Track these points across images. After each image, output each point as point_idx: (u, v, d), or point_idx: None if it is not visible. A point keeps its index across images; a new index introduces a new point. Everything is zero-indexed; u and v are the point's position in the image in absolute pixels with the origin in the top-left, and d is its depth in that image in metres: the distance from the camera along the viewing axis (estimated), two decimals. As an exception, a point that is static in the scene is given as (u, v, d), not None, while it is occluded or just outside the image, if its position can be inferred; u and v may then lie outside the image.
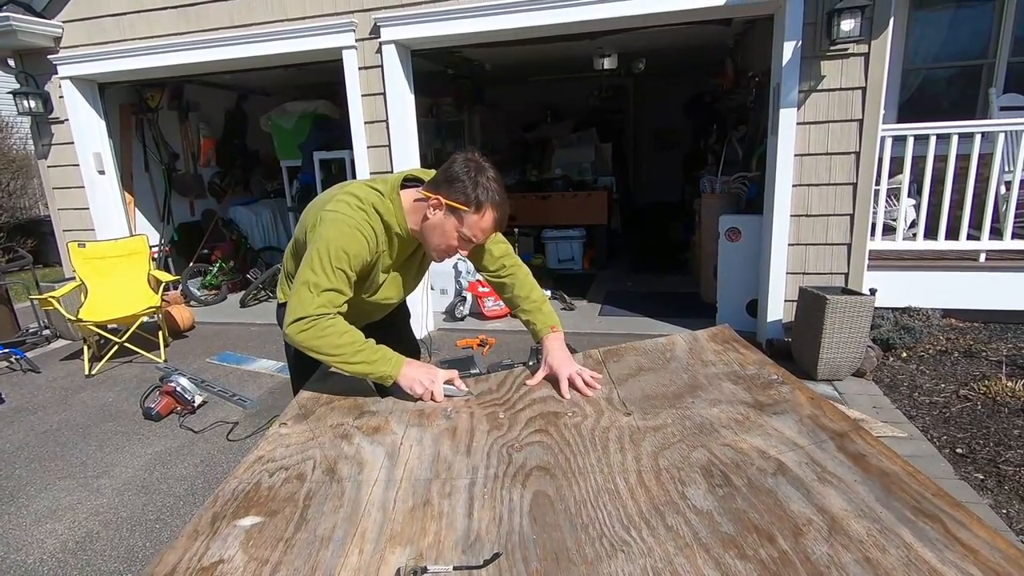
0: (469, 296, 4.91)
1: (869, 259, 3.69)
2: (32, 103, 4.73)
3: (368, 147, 4.32)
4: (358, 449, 1.21)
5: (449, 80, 6.69)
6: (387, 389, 1.49)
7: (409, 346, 1.99)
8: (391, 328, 1.87)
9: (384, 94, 4.16)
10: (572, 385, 1.45)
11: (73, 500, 2.55)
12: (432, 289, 4.89)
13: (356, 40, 4.11)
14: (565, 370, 1.48)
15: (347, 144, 4.65)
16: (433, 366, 1.52)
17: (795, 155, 3.57)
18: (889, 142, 3.82)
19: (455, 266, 5.04)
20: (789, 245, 3.71)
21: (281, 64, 4.61)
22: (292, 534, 0.94)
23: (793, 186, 3.62)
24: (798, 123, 3.53)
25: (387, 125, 4.23)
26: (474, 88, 7.62)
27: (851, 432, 1.09)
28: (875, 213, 3.89)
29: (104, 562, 2.14)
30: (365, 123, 4.28)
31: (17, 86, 4.76)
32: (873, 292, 3.48)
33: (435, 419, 1.34)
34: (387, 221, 1.50)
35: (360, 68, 4.17)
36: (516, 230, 5.70)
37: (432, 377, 1.45)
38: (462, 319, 4.90)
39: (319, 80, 6.14)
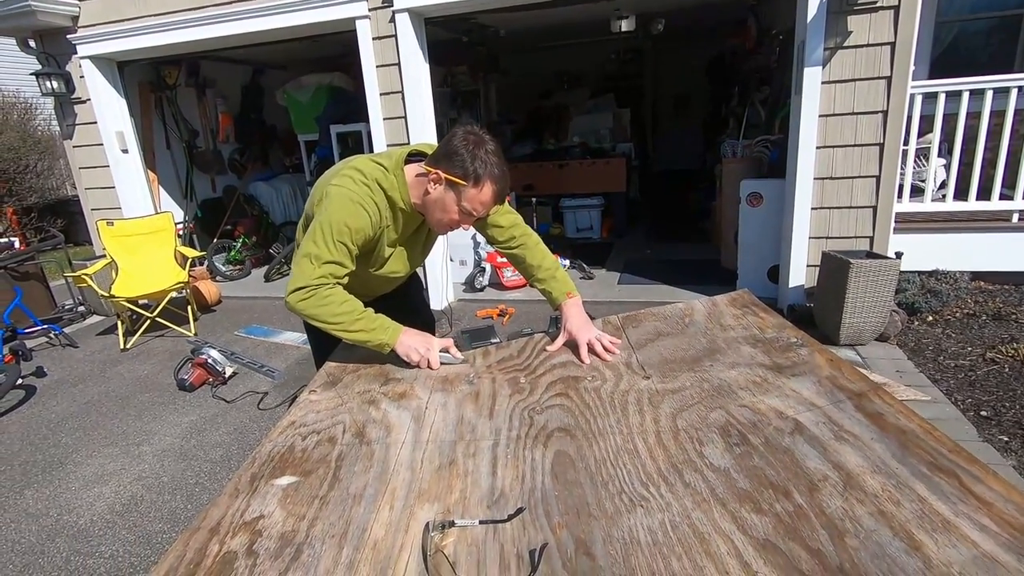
0: (488, 267, 4.94)
1: (896, 222, 3.61)
2: (54, 83, 4.80)
3: (384, 119, 4.31)
4: (385, 414, 1.26)
5: (463, 48, 6.58)
6: (387, 357, 1.52)
7: (423, 317, 2.02)
8: (405, 299, 1.91)
9: (399, 64, 4.13)
10: (591, 350, 1.47)
11: (117, 466, 2.69)
12: (452, 260, 4.92)
13: (369, 9, 4.07)
14: (584, 335, 1.49)
15: (363, 116, 4.65)
16: (429, 335, 1.55)
17: (819, 116, 3.48)
18: (919, 100, 3.69)
19: (473, 237, 5.05)
20: (812, 209, 3.65)
21: (295, 37, 4.59)
22: (326, 492, 1.00)
23: (817, 148, 3.53)
24: (823, 82, 3.42)
25: (402, 96, 4.21)
26: (489, 56, 7.49)
27: (869, 392, 1.10)
28: (903, 174, 3.78)
29: (149, 523, 2.27)
30: (380, 94, 4.26)
31: (39, 67, 4.82)
32: (899, 256, 3.41)
33: (458, 384, 1.38)
34: (391, 196, 1.52)
35: (374, 38, 4.13)
36: (534, 199, 5.68)
37: (428, 345, 1.49)
38: (482, 290, 4.94)
39: (334, 52, 6.10)
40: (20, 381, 3.53)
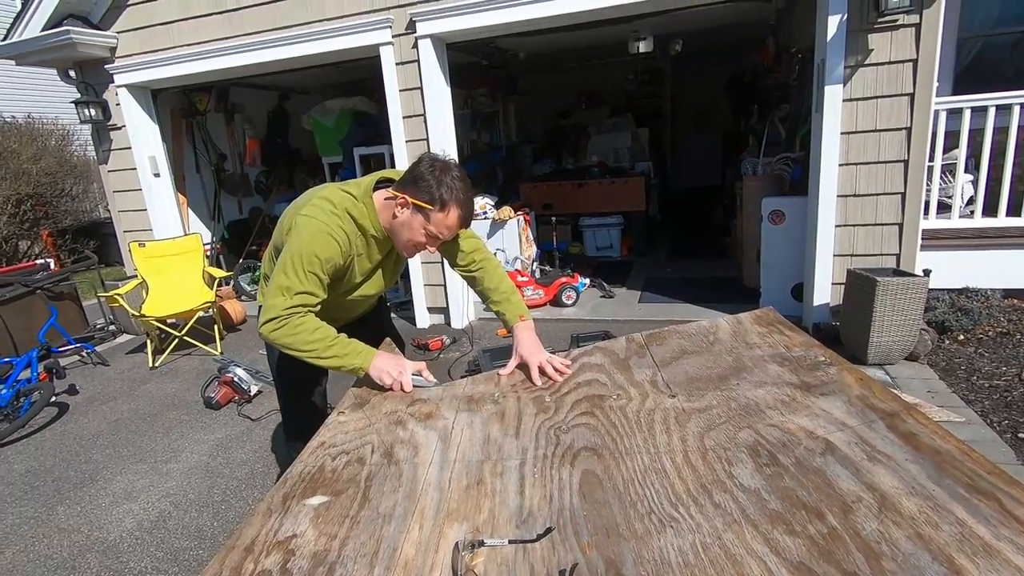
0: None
1: (923, 239, 3.56)
2: (92, 111, 5.00)
3: (407, 141, 4.40)
4: (412, 434, 1.27)
5: (483, 71, 6.71)
6: (361, 381, 1.55)
7: (391, 337, 2.03)
8: (374, 321, 1.98)
9: (421, 88, 4.23)
10: (543, 372, 1.50)
11: (146, 483, 2.73)
12: (472, 279, 4.95)
13: (393, 36, 4.18)
14: (535, 358, 1.52)
15: (386, 139, 4.75)
16: (402, 358, 1.58)
17: (841, 133, 3.46)
18: (944, 116, 3.65)
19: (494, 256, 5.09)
20: (836, 226, 3.61)
21: (320, 63, 4.73)
22: (356, 512, 1.01)
23: (840, 165, 3.51)
24: (844, 100, 3.41)
25: (424, 119, 4.29)
26: (508, 78, 7.62)
27: (902, 412, 1.08)
28: (929, 191, 3.73)
29: (176, 540, 2.30)
30: (403, 118, 4.36)
31: (79, 96, 5.03)
32: (927, 273, 3.35)
33: (484, 404, 1.39)
34: (361, 224, 1.56)
35: (397, 63, 4.24)
36: (553, 219, 5.70)
37: (400, 368, 1.51)
38: (502, 308, 4.95)
39: (356, 77, 6.26)
40: (54, 398, 3.62)
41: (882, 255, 3.57)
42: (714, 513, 0.90)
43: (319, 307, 1.53)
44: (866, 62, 3.33)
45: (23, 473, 2.93)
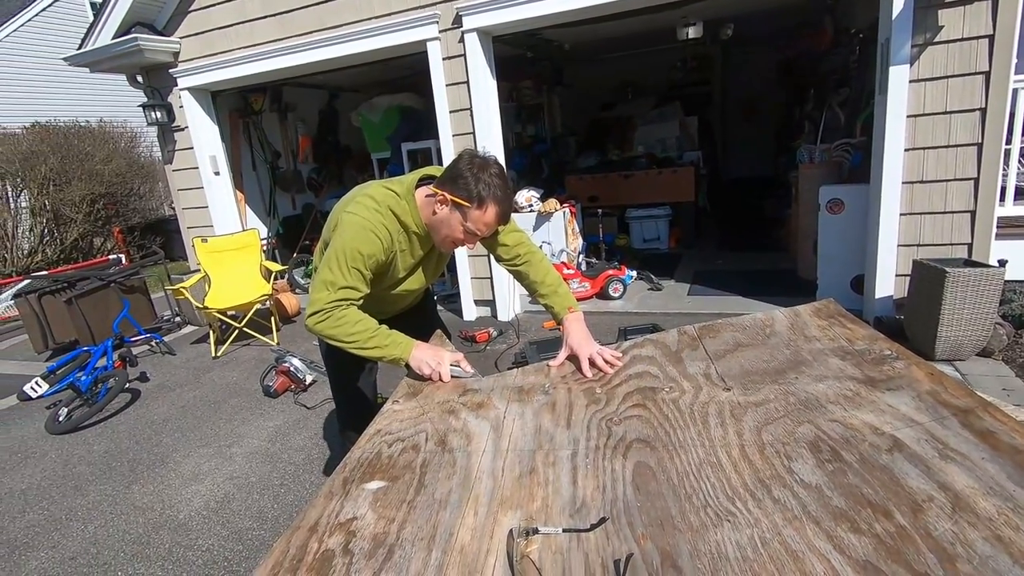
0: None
1: (998, 227, 3.34)
2: (158, 114, 5.28)
3: (453, 135, 4.44)
4: (465, 423, 1.30)
5: (528, 63, 6.69)
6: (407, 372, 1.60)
7: (437, 328, 2.05)
8: (421, 314, 2.01)
9: (467, 82, 4.25)
10: (593, 364, 1.48)
11: (211, 466, 2.88)
12: (518, 272, 4.97)
13: (439, 31, 4.22)
14: (585, 350, 1.51)
15: (433, 134, 4.81)
16: (441, 349, 1.60)
17: (907, 116, 3.28)
18: (1022, 95, 3.40)
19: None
20: (901, 215, 3.43)
21: (369, 61, 4.83)
22: (413, 497, 1.04)
23: (905, 150, 3.33)
24: (911, 81, 3.23)
25: (471, 113, 4.32)
26: (553, 69, 7.57)
27: (978, 408, 1.03)
28: (1005, 176, 3.49)
29: (239, 520, 2.42)
30: (450, 112, 4.40)
31: (145, 99, 5.31)
32: (1003, 264, 3.14)
33: (534, 395, 1.40)
34: (404, 221, 1.59)
35: (444, 58, 4.28)
36: (599, 211, 5.65)
37: (439, 360, 1.54)
38: (548, 301, 4.94)
39: (404, 74, 6.36)
40: (128, 385, 3.86)
41: (952, 245, 3.37)
42: (773, 508, 0.88)
43: (362, 301, 1.58)
44: (936, 40, 3.14)
45: (102, 454, 3.14)
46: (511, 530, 0.90)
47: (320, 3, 4.48)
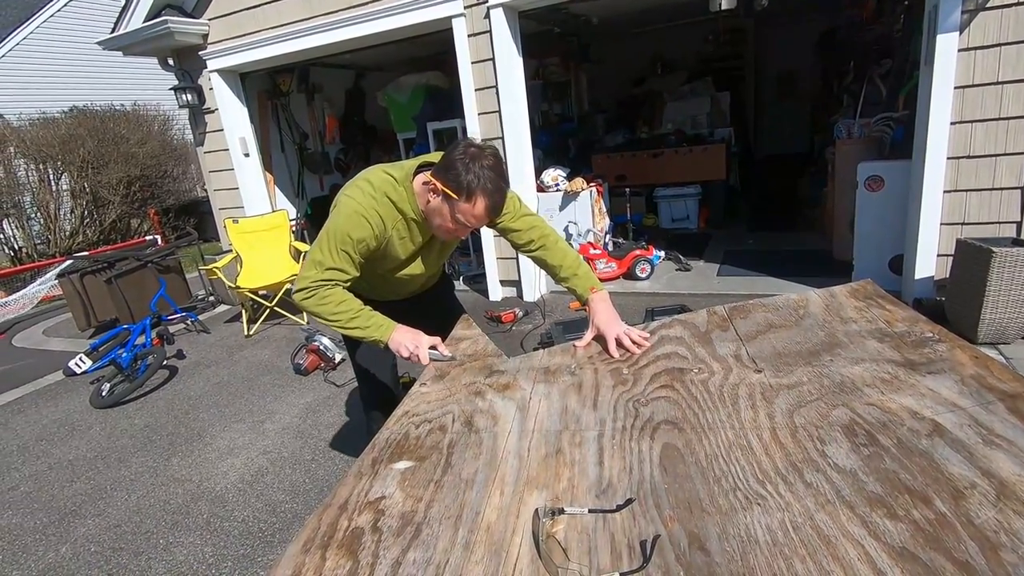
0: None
1: (1049, 204, 3.17)
2: (189, 96, 5.35)
3: (479, 114, 4.40)
4: (491, 404, 1.30)
5: (555, 39, 6.56)
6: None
7: (456, 315, 2.04)
8: (437, 301, 2.02)
9: (493, 59, 4.20)
10: (620, 345, 1.46)
11: (246, 440, 2.97)
12: (543, 253, 4.94)
13: (465, 7, 4.16)
14: (612, 330, 1.48)
15: (458, 113, 4.77)
16: (420, 333, 1.61)
17: (955, 87, 3.12)
18: (1082, 63, 3.20)
19: (565, 229, 5.04)
20: (945, 192, 3.29)
21: (395, 39, 4.80)
22: (440, 476, 1.04)
23: (952, 124, 3.17)
24: (960, 50, 3.06)
25: (496, 91, 4.27)
26: (580, 45, 7.41)
27: (1026, 394, 0.98)
28: (1059, 150, 3.30)
29: (273, 493, 2.49)
30: (475, 90, 4.35)
31: (176, 82, 5.39)
32: (1053, 243, 2.99)
33: (560, 376, 1.39)
34: (401, 208, 1.58)
35: (469, 35, 4.23)
36: (627, 190, 5.56)
37: (417, 343, 1.57)
38: (574, 282, 4.91)
39: (430, 52, 6.30)
40: (165, 362, 3.99)
41: (1000, 223, 3.22)
42: (805, 492, 0.86)
43: (350, 283, 1.61)
44: (988, 5, 2.96)
45: (142, 427, 3.27)
46: (537, 510, 0.90)
47: (345, -19, 4.46)
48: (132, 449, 3.03)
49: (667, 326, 1.56)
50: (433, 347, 1.59)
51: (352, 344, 1.99)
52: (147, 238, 7.26)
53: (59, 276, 5.28)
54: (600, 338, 1.53)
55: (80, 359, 4.16)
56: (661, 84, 7.85)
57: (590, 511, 0.90)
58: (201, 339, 4.76)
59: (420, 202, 1.58)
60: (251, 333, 4.65)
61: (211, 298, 5.71)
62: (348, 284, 1.61)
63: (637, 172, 6.25)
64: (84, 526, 2.44)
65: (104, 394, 3.64)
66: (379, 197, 1.56)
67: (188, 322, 5.02)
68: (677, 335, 1.50)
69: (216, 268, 4.73)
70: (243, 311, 4.76)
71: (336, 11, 4.57)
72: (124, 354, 3.89)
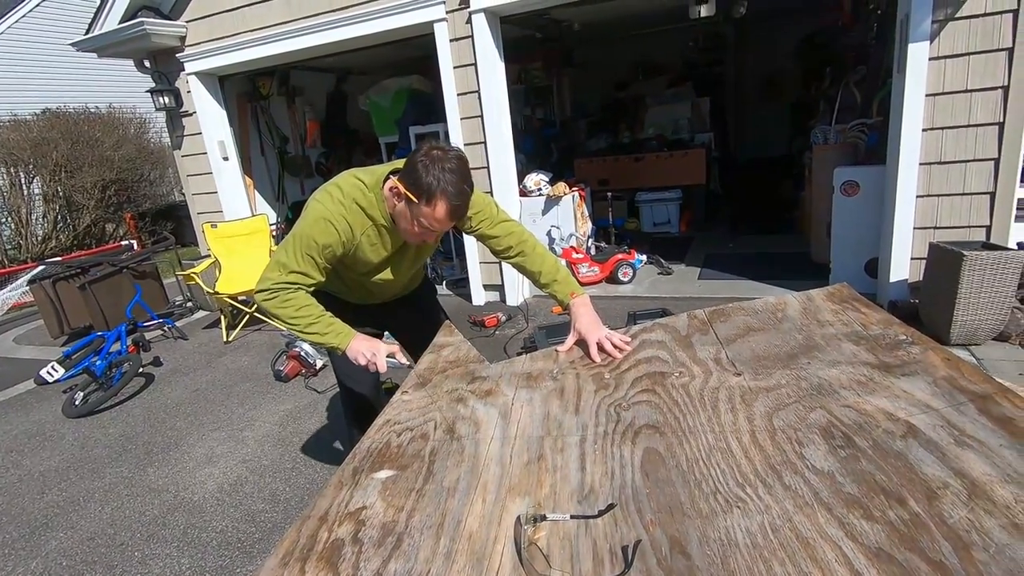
0: (563, 262, 4.92)
1: (1018, 209, 3.26)
2: (166, 99, 5.27)
3: (461, 119, 4.40)
4: (473, 411, 1.29)
5: (537, 44, 6.59)
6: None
7: (435, 319, 2.04)
8: (416, 304, 2.02)
9: (475, 64, 4.20)
10: (602, 349, 1.47)
11: (224, 449, 2.92)
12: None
13: (447, 12, 4.16)
14: (593, 335, 1.49)
15: (441, 117, 4.76)
16: (377, 341, 1.63)
17: (926, 95, 3.20)
18: (1047, 72, 3.30)
19: (548, 233, 5.06)
20: (917, 197, 3.36)
21: (377, 43, 4.77)
22: (422, 485, 1.04)
23: (923, 130, 3.25)
24: (930, 58, 3.14)
25: (479, 95, 4.27)
26: (562, 50, 7.45)
27: (995, 394, 1.00)
28: (1026, 156, 3.40)
29: (253, 503, 2.45)
30: (458, 95, 4.35)
31: (153, 85, 5.30)
32: (1022, 247, 3.08)
33: (543, 381, 1.39)
34: (371, 214, 1.57)
35: (451, 40, 4.23)
36: (609, 194, 5.59)
37: (374, 350, 1.60)
38: (557, 286, 4.93)
39: (412, 56, 6.29)
40: (141, 369, 3.91)
41: (970, 227, 3.30)
42: (784, 495, 0.87)
43: (314, 287, 1.61)
44: (957, 15, 3.05)
45: (117, 437, 3.19)
46: (518, 517, 0.90)
47: (326, -16, 4.43)
48: (106, 459, 2.96)
49: (648, 330, 1.57)
50: (391, 355, 1.60)
51: (333, 351, 1.97)
52: (123, 243, 7.11)
53: (31, 282, 5.14)
54: (582, 343, 1.53)
55: (52, 367, 4.05)
56: (643, 89, 7.92)
57: (572, 517, 0.90)
58: (178, 346, 4.67)
59: (388, 207, 1.57)
60: (230, 339, 4.58)
61: (189, 304, 5.62)
62: (312, 288, 1.61)
63: (619, 176, 6.30)
64: (56, 539, 2.37)
65: (77, 403, 3.55)
66: (348, 203, 1.55)
67: (165, 328, 4.92)
68: (658, 339, 1.51)
69: (194, 273, 4.66)
70: (222, 317, 4.69)
71: (318, 14, 4.54)
72: (98, 362, 3.80)
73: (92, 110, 9.39)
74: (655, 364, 1.38)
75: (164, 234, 8.99)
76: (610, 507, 0.90)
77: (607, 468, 1.01)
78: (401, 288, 1.92)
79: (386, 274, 1.75)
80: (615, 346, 1.46)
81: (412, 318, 2.01)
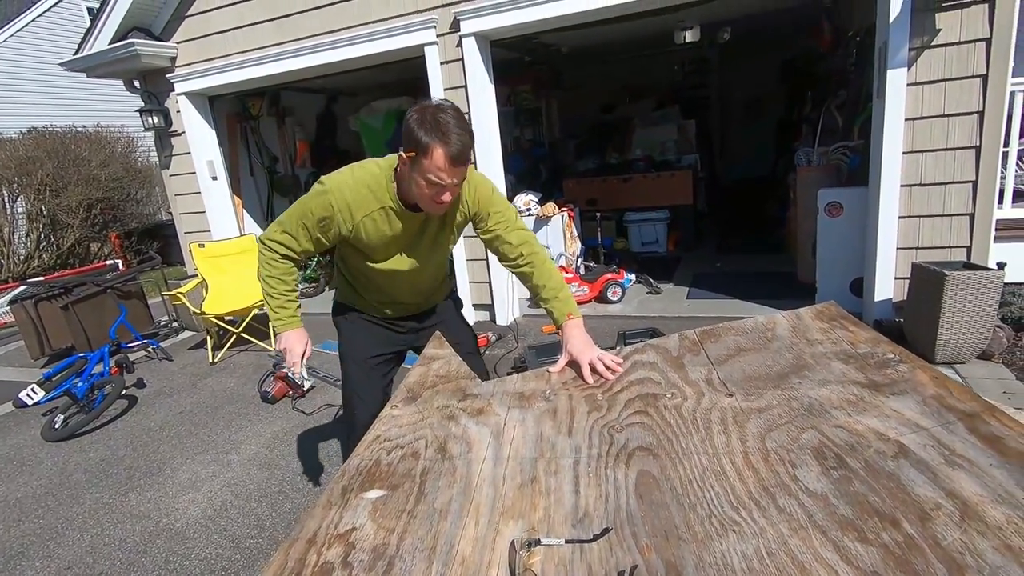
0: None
1: (996, 230, 3.34)
2: (156, 119, 5.26)
3: (451, 140, 4.43)
4: (465, 429, 1.28)
5: (526, 67, 6.70)
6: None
7: (464, 344, 1.97)
8: (441, 316, 2.01)
9: (465, 87, 4.25)
10: (594, 370, 1.47)
11: (209, 473, 2.86)
12: (516, 276, 4.96)
13: (437, 35, 4.22)
14: (586, 356, 1.49)
15: (431, 138, 4.79)
16: (304, 343, 1.76)
17: (906, 119, 3.28)
18: (1020, 98, 3.41)
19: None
20: (900, 218, 3.43)
21: (367, 65, 4.82)
22: (413, 506, 1.02)
23: (904, 153, 3.33)
24: (908, 84, 3.23)
25: (469, 117, 4.31)
26: (551, 73, 7.57)
27: (983, 413, 1.02)
28: (1003, 178, 3.49)
29: (237, 528, 2.39)
30: (448, 116, 4.38)
31: (143, 104, 5.30)
32: (1001, 266, 3.14)
33: (535, 401, 1.38)
34: (378, 195, 1.60)
35: (442, 63, 4.28)
36: (598, 214, 5.64)
37: (290, 348, 1.74)
38: (547, 305, 4.93)
39: (401, 77, 6.35)
40: (124, 391, 3.84)
41: (951, 247, 3.37)
42: (779, 518, 0.87)
43: (300, 256, 1.71)
44: (933, 43, 3.14)
45: (98, 461, 3.11)
46: (513, 541, 0.89)
47: (319, 7, 4.48)
48: (86, 485, 2.89)
49: (640, 351, 1.57)
50: (293, 365, 1.74)
51: (344, 363, 1.98)
52: (108, 262, 7.02)
53: (11, 302, 5.05)
54: (574, 364, 1.53)
55: (32, 389, 3.96)
56: (630, 111, 8.06)
57: (567, 541, 0.89)
58: (163, 367, 4.59)
59: (403, 187, 1.59)
60: (216, 360, 4.52)
61: (174, 324, 5.54)
62: (301, 256, 1.71)
63: (607, 197, 6.36)
64: (32, 569, 2.29)
65: (57, 426, 3.47)
66: (353, 184, 1.59)
67: (150, 349, 4.85)
68: (650, 360, 1.51)
69: (180, 293, 4.61)
70: (208, 337, 4.63)
71: (309, 36, 4.58)
72: (80, 384, 3.72)
73: (79, 129, 9.33)
74: (647, 385, 1.38)
75: (150, 253, 8.88)
76: (606, 531, 0.89)
77: (601, 491, 1.00)
78: (419, 290, 1.89)
79: (396, 263, 1.74)
80: (607, 367, 1.46)
81: (438, 330, 1.99)
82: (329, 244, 1.70)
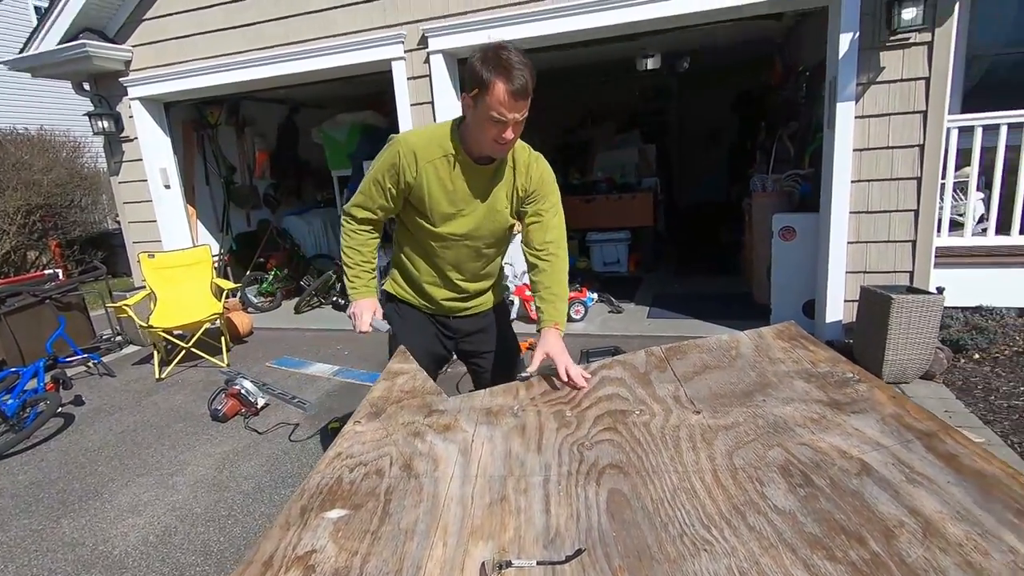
0: (516, 300, 4.94)
1: (936, 256, 3.53)
2: (105, 123, 5.04)
3: (417, 155, 4.41)
4: (431, 446, 1.25)
5: (492, 87, 6.75)
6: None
7: (508, 350, 2.03)
8: (492, 327, 1.98)
9: (432, 103, 4.25)
10: (569, 378, 1.50)
11: (151, 496, 2.69)
12: (480, 293, 4.93)
13: (405, 51, 4.22)
14: (561, 359, 1.53)
15: (396, 153, 4.75)
16: (367, 314, 1.79)
17: (853, 150, 3.46)
18: (955, 133, 3.64)
19: (501, 270, 5.07)
20: (848, 243, 3.59)
21: (333, 77, 4.77)
22: (377, 527, 0.98)
23: (852, 182, 3.50)
24: (856, 117, 3.41)
25: (435, 133, 4.31)
26: (516, 94, 7.66)
27: (940, 432, 1.05)
28: (941, 208, 3.71)
29: (182, 555, 2.25)
30: (414, 132, 4.37)
31: (91, 108, 5.07)
32: (941, 291, 3.32)
33: (503, 417, 1.36)
34: (442, 143, 1.61)
35: (409, 78, 4.27)
36: (561, 233, 5.69)
37: (363, 311, 1.78)
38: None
39: (367, 91, 6.31)
40: (60, 409, 3.60)
41: (895, 272, 3.54)
42: (749, 536, 0.87)
43: (377, 214, 1.75)
44: (878, 79, 3.34)
45: (27, 485, 2.89)
46: (483, 563, 0.86)
47: (284, 18, 4.42)
48: (13, 511, 2.67)
49: (607, 366, 1.57)
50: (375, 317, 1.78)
51: (395, 327, 1.93)
52: (46, 272, 6.63)
53: (-64, 313, 4.69)
54: (547, 363, 1.55)
55: (-45, 407, 3.67)
56: (593, 134, 8.23)
57: (538, 563, 0.86)
58: (104, 383, 4.34)
59: (468, 140, 1.59)
60: (163, 376, 4.30)
61: (118, 338, 5.25)
62: (379, 217, 1.75)
63: (570, 216, 6.36)
64: (-54, 604, 2.10)
65: (-18, 447, 3.21)
66: (420, 132, 1.66)
67: (90, 364, 4.58)
68: (617, 376, 1.51)
69: (126, 305, 4.38)
70: (155, 352, 4.41)
71: (273, 46, 4.50)
72: (10, 400, 3.47)
73: (21, 131, 8.86)
74: (616, 402, 1.38)
75: (94, 263, 8.45)
76: (578, 552, 0.87)
77: (572, 510, 0.98)
78: (470, 270, 1.84)
79: (455, 225, 1.70)
80: (580, 375, 1.48)
81: (483, 338, 1.97)
82: (400, 196, 1.70)
